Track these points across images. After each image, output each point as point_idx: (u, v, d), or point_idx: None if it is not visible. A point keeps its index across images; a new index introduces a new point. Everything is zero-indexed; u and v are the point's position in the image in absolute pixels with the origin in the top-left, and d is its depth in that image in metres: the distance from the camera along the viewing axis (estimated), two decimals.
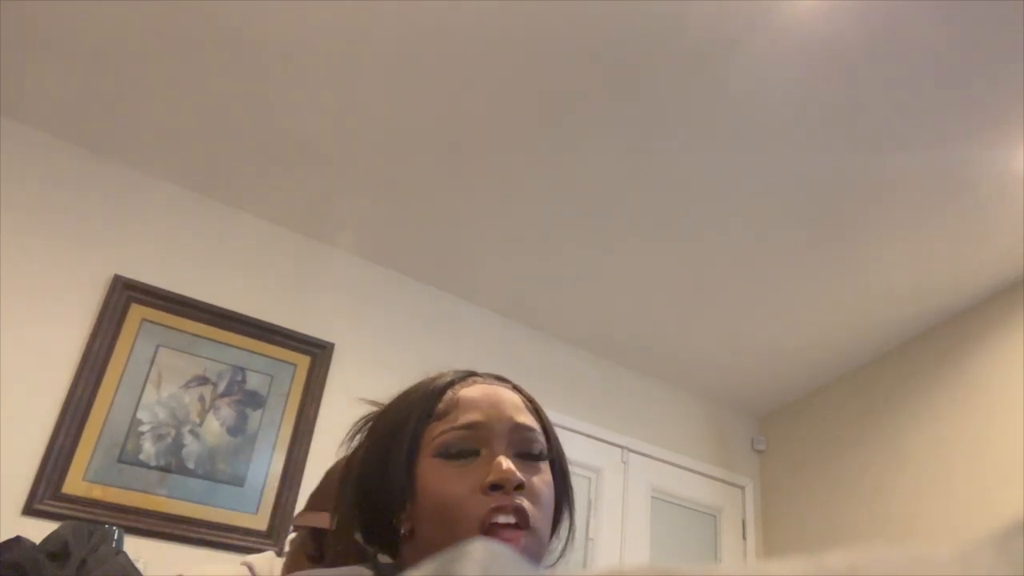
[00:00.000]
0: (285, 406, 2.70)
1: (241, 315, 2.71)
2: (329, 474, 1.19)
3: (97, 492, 2.30)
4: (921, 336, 3.41)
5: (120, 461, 2.37)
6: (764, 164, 2.54)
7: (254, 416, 2.63)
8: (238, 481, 2.53)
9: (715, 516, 3.79)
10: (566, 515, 0.77)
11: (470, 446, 0.70)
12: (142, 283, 2.57)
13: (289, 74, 2.33)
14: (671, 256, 3.03)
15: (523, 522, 0.66)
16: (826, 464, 3.66)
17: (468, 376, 0.77)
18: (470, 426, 0.70)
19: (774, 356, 3.62)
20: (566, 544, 0.76)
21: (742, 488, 3.92)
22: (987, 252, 2.91)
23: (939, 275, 3.04)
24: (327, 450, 2.68)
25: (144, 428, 2.44)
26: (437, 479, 0.68)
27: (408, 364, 3.04)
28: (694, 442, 3.85)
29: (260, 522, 2.51)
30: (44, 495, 2.21)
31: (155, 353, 2.54)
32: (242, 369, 2.67)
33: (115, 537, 1.79)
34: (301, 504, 2.57)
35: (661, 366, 3.77)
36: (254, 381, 2.68)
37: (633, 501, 3.50)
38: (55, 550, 1.58)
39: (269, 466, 2.59)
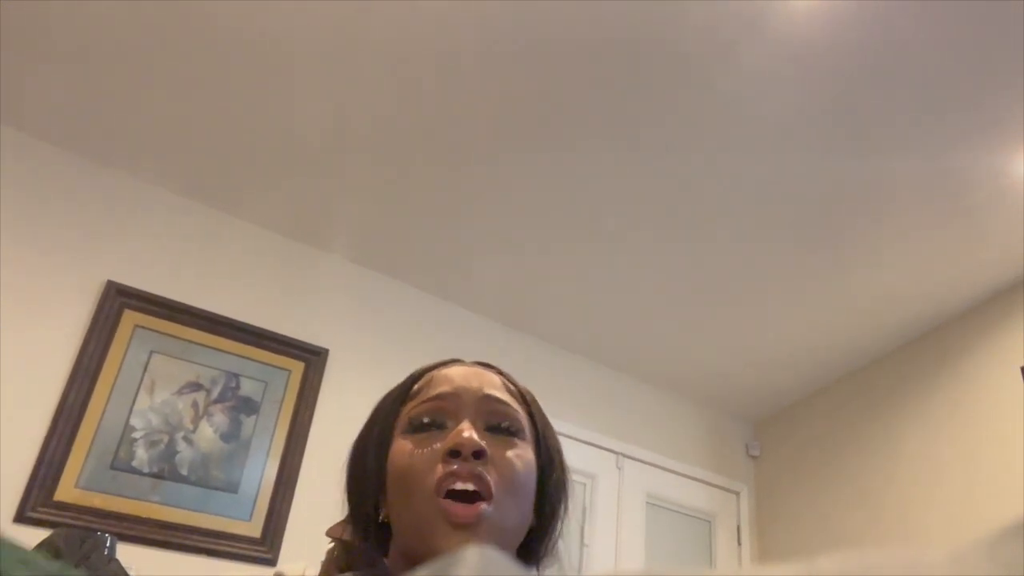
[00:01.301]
0: (279, 412, 2.69)
1: (235, 321, 2.71)
2: None
3: (89, 499, 2.29)
4: (916, 341, 3.42)
5: (113, 468, 2.35)
6: (760, 168, 2.55)
7: (248, 422, 2.62)
8: (232, 488, 2.52)
9: (710, 522, 3.79)
10: (560, 510, 0.71)
11: (436, 419, 0.67)
12: (135, 289, 2.56)
13: (283, 80, 2.33)
14: (666, 261, 3.03)
15: (484, 491, 0.62)
16: (821, 469, 3.67)
17: (452, 360, 0.75)
18: (437, 397, 0.68)
19: (769, 361, 3.63)
20: (554, 540, 0.71)
21: (737, 494, 3.92)
22: (983, 256, 2.92)
23: (934, 279, 3.05)
24: (321, 456, 2.68)
25: (137, 435, 2.42)
26: (399, 452, 0.66)
27: (403, 370, 3.02)
28: (689, 448, 3.85)
29: (254, 529, 2.50)
30: (36, 502, 2.20)
31: (148, 359, 2.53)
32: (236, 375, 2.66)
33: (107, 545, 1.78)
34: (296, 511, 2.57)
35: (656, 372, 3.77)
36: (248, 387, 2.67)
37: (628, 507, 3.50)
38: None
39: (263, 473, 2.58)
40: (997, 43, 2.08)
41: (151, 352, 2.54)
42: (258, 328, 2.74)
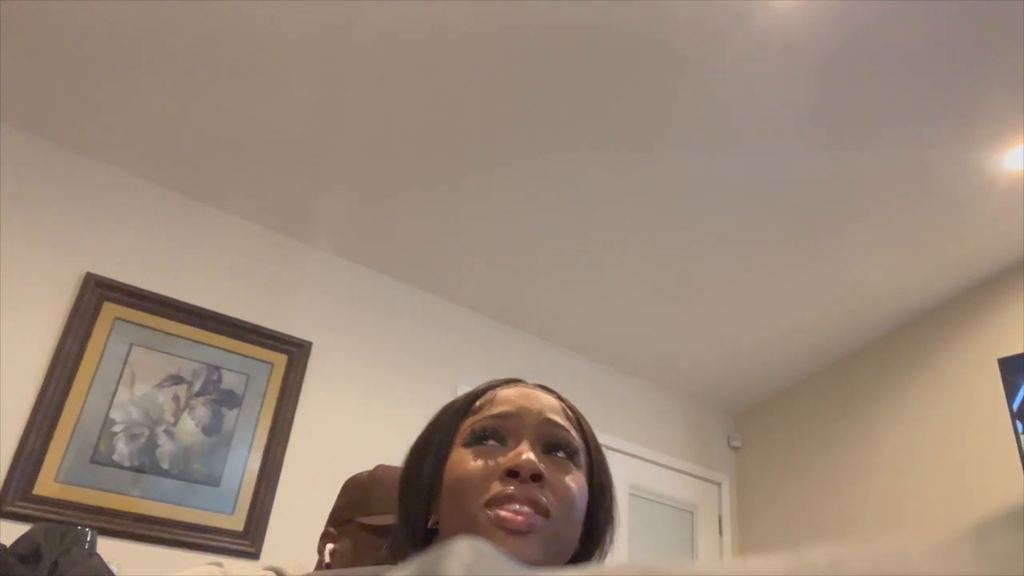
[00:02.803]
0: (262, 405, 2.67)
1: (217, 313, 2.68)
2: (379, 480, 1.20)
3: (69, 493, 2.26)
4: (895, 333, 3.46)
5: (93, 462, 2.33)
6: (742, 163, 2.56)
7: (230, 415, 2.61)
8: (214, 481, 2.50)
9: (692, 512, 3.82)
10: (606, 540, 0.73)
11: (497, 435, 0.69)
12: (115, 281, 2.53)
13: (269, 71, 2.31)
14: (649, 255, 3.04)
15: (539, 512, 0.63)
16: (801, 460, 3.71)
17: (512, 380, 0.77)
18: (499, 416, 0.70)
19: (750, 353, 3.66)
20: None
21: (718, 484, 3.95)
22: (961, 250, 2.96)
23: (914, 273, 3.09)
24: (305, 449, 2.67)
25: (117, 428, 2.40)
26: (459, 462, 0.68)
27: (387, 364, 3.03)
28: (671, 439, 3.88)
29: (236, 523, 2.49)
30: (15, 497, 2.17)
31: (128, 352, 2.50)
32: (218, 368, 2.64)
33: (88, 539, 1.76)
34: (279, 503, 2.56)
35: (638, 364, 3.79)
36: (230, 380, 2.65)
37: None
38: (26, 552, 1.55)
39: (245, 466, 2.57)
40: (977, 41, 2.10)
41: (131, 345, 2.51)
42: (240, 321, 2.72)
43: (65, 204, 2.54)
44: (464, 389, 0.84)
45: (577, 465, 0.70)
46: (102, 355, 2.45)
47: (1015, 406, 2.92)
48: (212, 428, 2.56)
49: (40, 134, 2.55)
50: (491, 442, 0.68)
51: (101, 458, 2.35)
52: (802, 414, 3.79)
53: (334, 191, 2.79)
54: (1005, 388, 2.95)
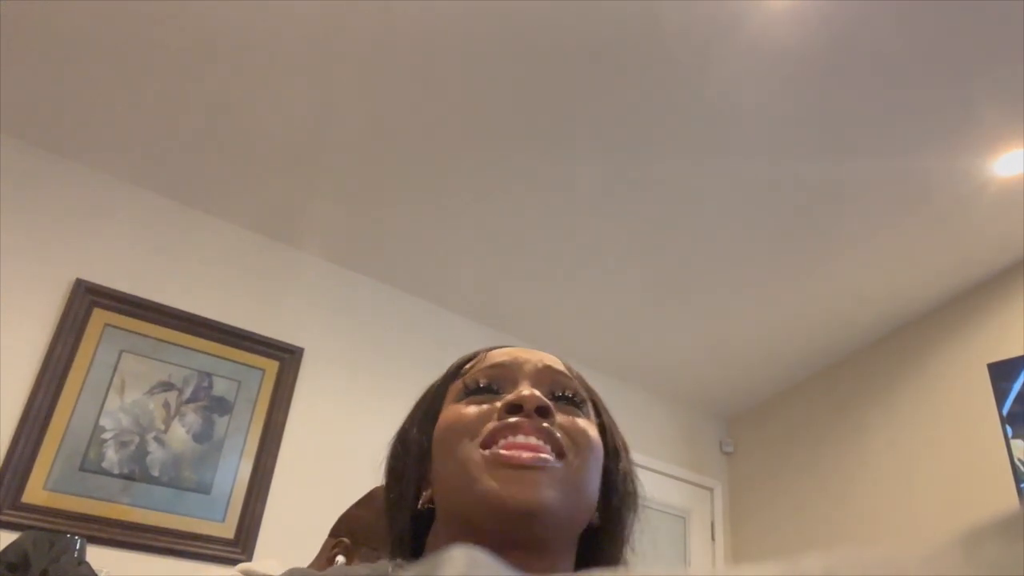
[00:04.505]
0: (253, 412, 2.66)
1: (208, 320, 2.67)
2: None
3: (58, 501, 2.24)
4: (886, 338, 3.48)
5: (82, 469, 2.31)
6: (733, 168, 2.57)
7: (221, 422, 2.59)
8: (204, 489, 2.49)
9: (684, 518, 3.82)
10: (629, 507, 0.62)
11: (494, 383, 0.60)
12: (105, 287, 2.51)
13: (259, 76, 2.31)
14: (641, 260, 3.05)
15: (552, 446, 0.52)
16: (794, 465, 3.71)
17: (506, 345, 0.70)
18: (495, 366, 0.61)
19: (742, 359, 3.67)
20: (623, 544, 0.61)
21: (711, 490, 3.95)
22: (952, 255, 2.98)
23: (904, 278, 3.10)
24: (296, 456, 2.66)
25: (107, 435, 2.38)
26: (450, 413, 0.59)
27: (378, 369, 3.02)
28: (663, 445, 3.88)
29: (227, 530, 2.47)
30: (3, 505, 2.15)
31: (118, 359, 2.49)
32: (208, 375, 2.63)
33: (77, 547, 1.75)
34: (269, 511, 2.55)
35: (631, 369, 3.79)
36: (221, 387, 2.64)
37: None
38: (15, 561, 1.54)
39: (236, 473, 2.55)
40: (968, 48, 2.12)
41: (121, 351, 2.50)
42: (231, 327, 2.71)
43: (55, 210, 2.53)
44: None
45: (586, 415, 0.61)
46: (92, 362, 2.43)
47: (1005, 411, 2.93)
48: (203, 435, 2.55)
49: (29, 139, 2.53)
50: (489, 392, 0.59)
51: (91, 466, 2.33)
52: (795, 419, 3.80)
53: (325, 196, 2.79)
54: (995, 393, 2.97)
